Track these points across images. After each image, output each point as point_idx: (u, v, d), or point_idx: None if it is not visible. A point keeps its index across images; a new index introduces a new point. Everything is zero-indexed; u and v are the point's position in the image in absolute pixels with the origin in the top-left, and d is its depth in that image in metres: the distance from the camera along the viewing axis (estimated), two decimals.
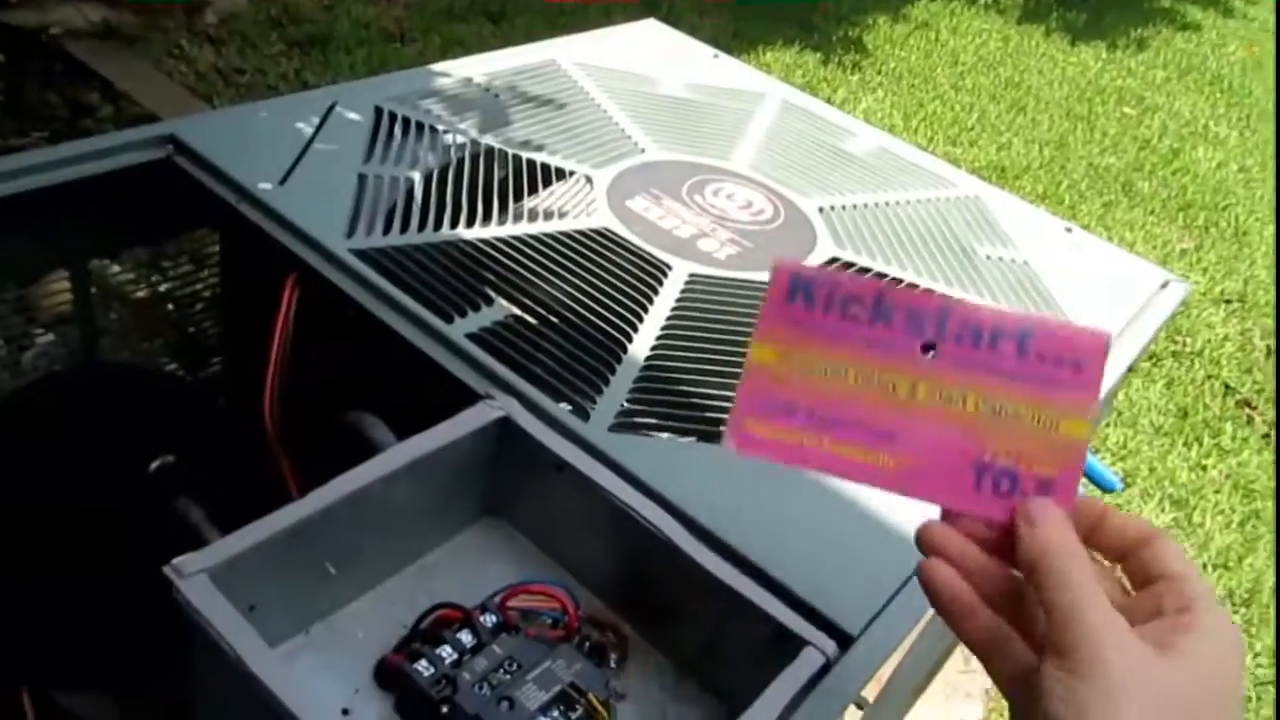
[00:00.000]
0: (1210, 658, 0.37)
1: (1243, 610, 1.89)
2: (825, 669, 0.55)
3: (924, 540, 0.42)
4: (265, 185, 0.82)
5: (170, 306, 1.06)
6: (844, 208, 1.00)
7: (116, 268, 1.13)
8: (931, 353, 0.42)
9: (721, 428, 0.70)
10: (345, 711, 0.59)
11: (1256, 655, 1.81)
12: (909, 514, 0.66)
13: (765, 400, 0.42)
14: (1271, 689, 1.73)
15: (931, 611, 0.64)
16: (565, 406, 0.68)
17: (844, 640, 0.57)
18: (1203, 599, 0.38)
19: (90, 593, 0.82)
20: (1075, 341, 0.41)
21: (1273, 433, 2.36)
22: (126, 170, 0.84)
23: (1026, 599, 0.40)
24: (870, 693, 0.68)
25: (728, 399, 0.72)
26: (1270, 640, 1.82)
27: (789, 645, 0.56)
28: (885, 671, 0.59)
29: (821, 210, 0.98)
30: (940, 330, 0.41)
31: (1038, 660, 0.38)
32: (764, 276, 0.85)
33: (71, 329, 0.94)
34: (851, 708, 0.58)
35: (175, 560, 0.52)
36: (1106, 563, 0.42)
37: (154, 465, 0.79)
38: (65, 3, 2.41)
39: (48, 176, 0.80)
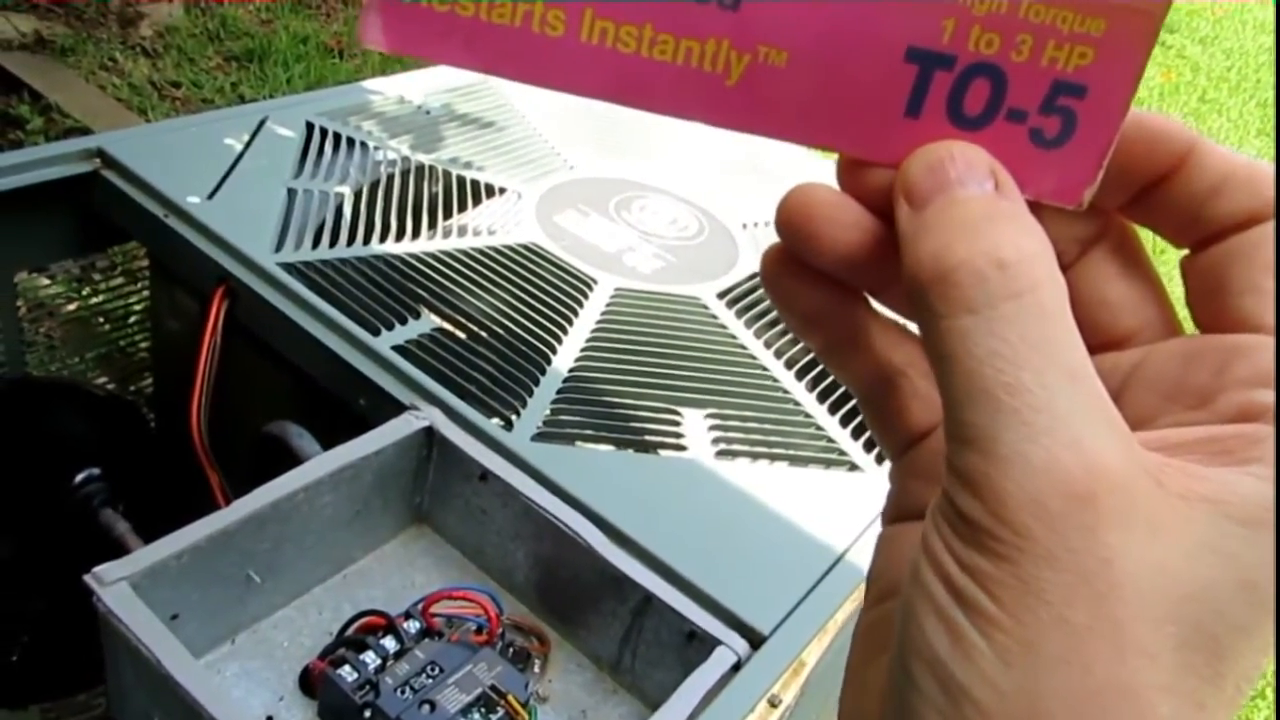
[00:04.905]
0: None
1: None
2: (736, 667, 0.57)
3: (785, 213, 0.22)
4: (193, 199, 0.82)
5: (103, 321, 1.06)
6: (765, 224, 1.03)
7: (45, 281, 1.12)
8: None
9: (645, 436, 0.72)
10: (269, 719, 0.60)
11: None
12: (822, 516, 0.69)
13: None
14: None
15: (848, 610, 0.66)
16: (489, 417, 0.69)
17: (755, 640, 0.59)
18: None
19: (14, 606, 0.82)
20: None
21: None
22: (54, 183, 0.84)
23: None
24: (792, 691, 0.70)
25: (649, 409, 0.74)
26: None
27: (702, 645, 0.58)
28: (808, 670, 0.62)
29: (745, 226, 1.00)
30: None
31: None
32: (687, 290, 0.88)
33: None
34: (766, 706, 0.61)
35: (96, 569, 0.53)
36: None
37: (79, 478, 0.79)
38: None
39: None
